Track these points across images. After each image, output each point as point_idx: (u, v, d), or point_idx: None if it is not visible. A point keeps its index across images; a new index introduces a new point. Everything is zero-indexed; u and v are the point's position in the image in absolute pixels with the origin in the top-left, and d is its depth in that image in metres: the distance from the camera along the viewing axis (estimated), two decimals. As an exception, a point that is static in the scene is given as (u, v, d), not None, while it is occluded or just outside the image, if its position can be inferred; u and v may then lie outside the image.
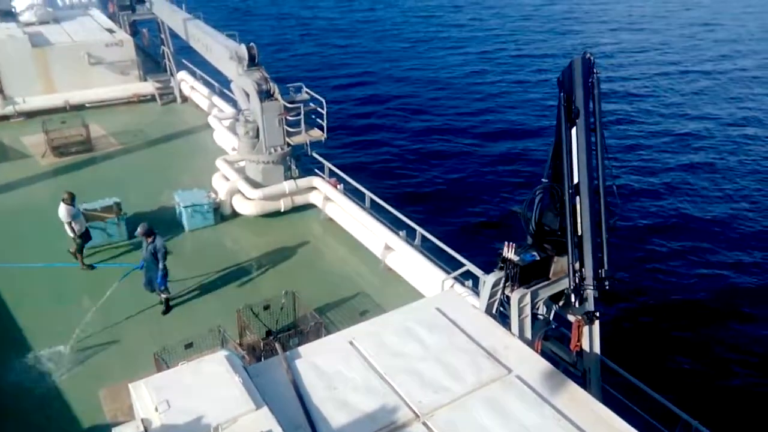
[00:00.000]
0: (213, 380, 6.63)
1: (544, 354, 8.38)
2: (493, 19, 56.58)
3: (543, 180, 8.57)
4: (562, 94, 8.26)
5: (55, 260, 13.25)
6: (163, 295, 11.99)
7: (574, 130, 8.06)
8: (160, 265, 11.64)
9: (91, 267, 13.25)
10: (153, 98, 22.82)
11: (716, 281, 19.51)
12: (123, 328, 11.38)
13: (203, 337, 9.79)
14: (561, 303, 8.72)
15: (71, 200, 12.81)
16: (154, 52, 25.94)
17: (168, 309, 12.04)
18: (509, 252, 8.29)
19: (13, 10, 25.30)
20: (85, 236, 13.18)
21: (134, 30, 24.54)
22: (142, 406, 6.44)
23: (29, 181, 16.99)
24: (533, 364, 7.48)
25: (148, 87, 22.94)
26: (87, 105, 21.75)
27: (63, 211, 12.68)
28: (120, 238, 14.01)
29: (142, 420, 6.19)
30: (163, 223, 14.78)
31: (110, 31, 23.55)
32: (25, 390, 9.94)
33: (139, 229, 11.81)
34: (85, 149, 18.57)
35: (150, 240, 11.65)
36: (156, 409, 6.23)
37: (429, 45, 45.65)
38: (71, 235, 12.94)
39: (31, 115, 20.77)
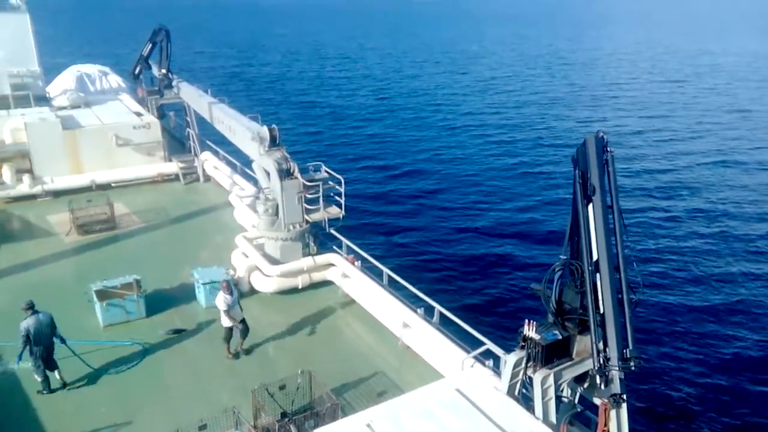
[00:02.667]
0: (226, 465, 6.42)
1: (570, 439, 8.02)
2: (510, 92, 58.38)
3: (561, 257, 8.51)
4: (576, 171, 8.36)
5: (74, 336, 13.24)
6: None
7: (590, 207, 8.09)
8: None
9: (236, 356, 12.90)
10: (177, 177, 23.50)
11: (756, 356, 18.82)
12: (137, 409, 11.16)
13: (217, 418, 9.56)
14: (586, 385, 8.44)
15: (229, 289, 12.63)
16: (180, 134, 26.93)
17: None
18: (530, 330, 8.13)
19: (47, 95, 26.72)
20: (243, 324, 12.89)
21: (161, 113, 25.59)
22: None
23: (53, 258, 17.28)
24: (559, 451, 7.14)
25: (173, 167, 23.67)
26: (113, 184, 22.43)
27: (220, 299, 12.50)
28: (138, 315, 14.02)
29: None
30: (181, 300, 14.87)
31: (138, 114, 24.62)
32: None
33: (22, 305, 11.52)
34: (108, 227, 18.97)
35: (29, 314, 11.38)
36: (166, 497, 6.01)
37: (447, 126, 46.95)
38: (227, 324, 12.63)
39: (58, 194, 21.41)
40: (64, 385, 11.90)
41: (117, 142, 22.64)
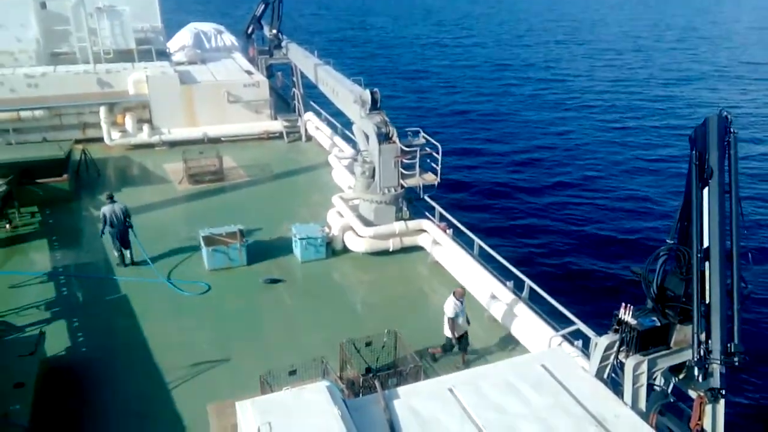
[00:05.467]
0: (313, 408, 6.78)
1: (659, 430, 7.74)
2: (632, 68, 54.99)
3: (668, 241, 8.08)
4: (693, 152, 7.84)
5: (182, 278, 14.40)
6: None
7: (705, 191, 7.59)
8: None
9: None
10: (280, 136, 24.39)
11: None
12: (234, 348, 11.96)
13: (306, 366, 10.05)
14: (682, 376, 8.06)
15: (462, 297, 11.64)
16: (286, 94, 27.83)
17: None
18: (626, 315, 7.84)
19: (167, 50, 28.41)
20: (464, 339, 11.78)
21: (270, 72, 26.52)
22: (246, 425, 6.70)
23: (166, 203, 18.66)
24: (646, 439, 6.91)
25: (277, 125, 24.57)
26: (222, 139, 23.67)
27: (450, 304, 11.54)
28: (240, 262, 14.87)
29: (245, 439, 6.44)
30: (279, 252, 15.61)
31: (249, 72, 25.64)
32: (143, 396, 10.68)
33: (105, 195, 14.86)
34: (217, 178, 20.16)
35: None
36: (258, 430, 6.46)
37: (553, 98, 45.16)
38: (448, 334, 11.64)
39: (173, 145, 22.92)
40: (133, 263, 14.92)
41: (228, 99, 23.78)
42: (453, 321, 11.48)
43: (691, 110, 40.71)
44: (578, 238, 24.19)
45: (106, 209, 14.54)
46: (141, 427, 10.04)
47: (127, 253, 14.96)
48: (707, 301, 7.30)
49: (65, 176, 18.37)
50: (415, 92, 45.13)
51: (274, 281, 14.39)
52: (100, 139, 22.51)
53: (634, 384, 7.76)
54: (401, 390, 7.75)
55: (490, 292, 13.19)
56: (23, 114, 22.02)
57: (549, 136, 35.93)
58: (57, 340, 11.92)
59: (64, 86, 22.49)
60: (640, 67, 55.89)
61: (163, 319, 12.95)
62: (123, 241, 14.80)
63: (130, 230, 14.81)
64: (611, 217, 25.93)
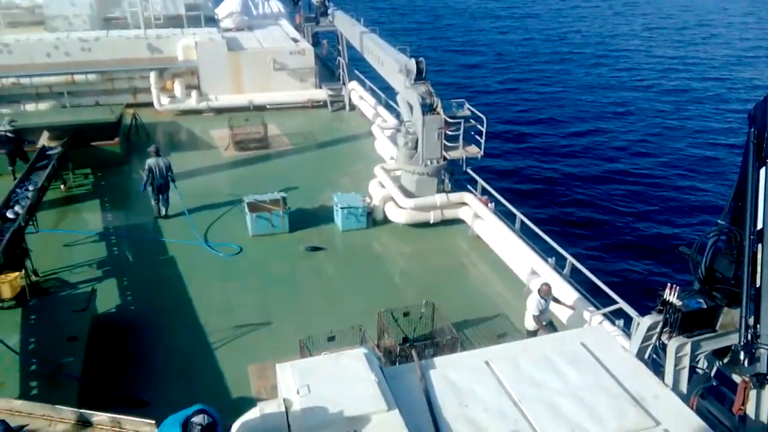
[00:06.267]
0: (351, 374, 6.91)
1: (699, 413, 7.59)
2: (676, 35, 52.59)
3: (719, 221, 7.80)
4: (752, 129, 7.49)
5: (228, 241, 14.76)
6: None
7: (763, 171, 7.26)
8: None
9: None
10: (324, 104, 24.42)
11: None
12: (275, 312, 12.26)
13: (344, 333, 10.23)
14: (726, 360, 7.86)
15: (549, 295, 11.01)
16: (331, 62, 27.74)
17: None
18: (671, 295, 7.64)
19: (215, 16, 28.60)
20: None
21: (316, 40, 26.44)
22: (285, 387, 6.89)
23: (212, 169, 19.04)
24: (686, 422, 6.79)
25: (322, 94, 24.58)
26: (267, 106, 23.85)
27: (533, 301, 10.94)
28: (282, 229, 15.11)
29: (284, 399, 6.63)
30: (321, 221, 15.79)
31: (295, 40, 25.63)
32: (187, 354, 11.09)
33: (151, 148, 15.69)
34: (261, 146, 20.40)
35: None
36: (297, 392, 6.63)
37: (605, 66, 43.62)
38: (531, 327, 11.08)
39: (219, 111, 23.25)
40: (167, 216, 15.83)
41: (274, 66, 23.86)
42: (537, 317, 10.89)
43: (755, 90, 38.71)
44: (624, 219, 23.60)
45: (151, 161, 15.40)
46: (185, 383, 10.45)
47: (164, 206, 15.88)
48: (758, 285, 7.06)
49: (116, 140, 18.93)
50: (463, 66, 44.12)
51: (315, 249, 14.59)
52: (150, 104, 22.99)
53: (676, 366, 7.61)
54: (438, 360, 7.81)
55: (531, 268, 13.06)
56: (77, 78, 22.65)
57: (604, 117, 34.44)
58: (107, 298, 12.44)
59: (116, 51, 23.02)
60: (703, 43, 53.22)
61: (208, 281, 13.34)
62: (162, 194, 15.73)
63: (172, 184, 15.62)
64: (661, 200, 25.14)
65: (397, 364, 9.50)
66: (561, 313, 11.92)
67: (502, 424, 6.65)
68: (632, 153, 29.07)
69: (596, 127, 32.40)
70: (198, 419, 5.94)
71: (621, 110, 34.94)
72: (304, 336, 10.05)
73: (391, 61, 17.26)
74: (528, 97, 37.34)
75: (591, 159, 28.56)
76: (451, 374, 7.40)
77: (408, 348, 9.90)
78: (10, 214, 12.77)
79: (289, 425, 6.32)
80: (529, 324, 11.17)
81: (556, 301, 11.52)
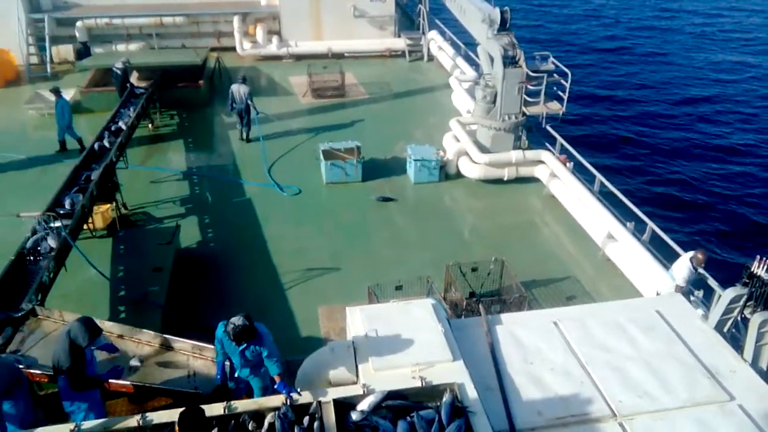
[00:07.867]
0: (418, 323, 7.04)
1: (779, 392, 7.26)
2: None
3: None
4: None
5: (304, 186, 15.14)
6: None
7: None
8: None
9: None
10: (402, 54, 24.08)
11: None
12: (345, 258, 12.54)
13: (412, 283, 10.36)
14: (814, 340, 7.42)
15: (700, 263, 9.91)
16: (411, 10, 27.15)
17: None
18: (761, 269, 7.23)
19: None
20: None
21: (397, -13, 25.86)
22: (353, 329, 7.11)
23: (290, 115, 19.34)
24: (763, 398, 6.53)
25: (400, 43, 24.21)
26: (346, 54, 23.78)
27: (683, 268, 9.88)
28: (355, 178, 15.26)
29: (353, 341, 6.85)
30: (393, 172, 15.83)
31: (376, -14, 25.17)
32: (261, 292, 11.58)
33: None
34: (338, 94, 20.47)
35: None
36: (365, 335, 6.84)
37: (704, 33, 40.32)
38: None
39: (299, 58, 23.41)
40: (248, 140, 17.29)
41: (354, 13, 23.64)
42: (680, 287, 9.73)
43: None
44: (711, 189, 22.15)
45: (234, 86, 16.70)
46: (257, 319, 10.86)
47: (246, 131, 17.26)
48: None
49: (201, 82, 19.51)
50: (553, 22, 41.86)
51: (387, 200, 14.69)
52: (233, 49, 23.44)
53: (757, 341, 7.27)
54: (504, 317, 7.82)
55: (608, 231, 12.65)
56: (165, 20, 23.31)
57: (721, 82, 31.74)
58: (189, 233, 13.10)
59: (203, -6, 23.49)
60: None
61: (283, 224, 13.74)
62: (243, 119, 17.07)
63: (252, 110, 16.86)
64: (759, 164, 23.38)
65: (464, 318, 9.57)
66: (636, 276, 11.57)
67: (567, 384, 6.63)
68: (745, 129, 26.84)
69: (705, 94, 30.04)
70: (235, 319, 6.67)
71: (737, 77, 32.14)
72: (373, 283, 10.25)
73: (474, 10, 16.66)
74: (630, 59, 34.95)
75: (692, 132, 26.57)
76: (518, 331, 7.40)
77: (475, 303, 9.93)
78: (99, 145, 13.58)
79: (357, 366, 6.55)
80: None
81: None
